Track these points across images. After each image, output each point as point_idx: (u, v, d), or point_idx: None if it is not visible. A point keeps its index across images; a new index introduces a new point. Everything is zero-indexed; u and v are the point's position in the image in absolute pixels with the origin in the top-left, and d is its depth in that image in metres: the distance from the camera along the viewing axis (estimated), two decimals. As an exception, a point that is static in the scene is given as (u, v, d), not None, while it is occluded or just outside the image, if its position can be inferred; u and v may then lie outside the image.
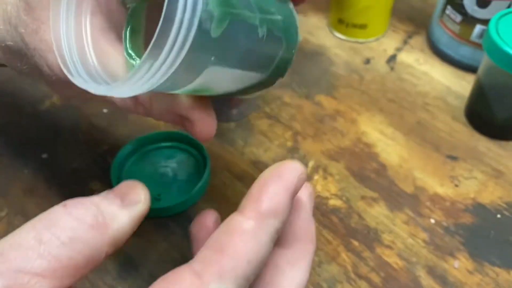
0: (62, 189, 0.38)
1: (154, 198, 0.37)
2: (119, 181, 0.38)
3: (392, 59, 0.50)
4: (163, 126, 0.43)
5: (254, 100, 0.45)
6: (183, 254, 0.34)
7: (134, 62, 0.22)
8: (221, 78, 0.21)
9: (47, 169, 0.40)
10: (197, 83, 0.20)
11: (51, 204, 0.17)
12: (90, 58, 0.21)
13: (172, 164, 0.40)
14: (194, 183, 0.37)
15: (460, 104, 0.45)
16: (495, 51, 0.37)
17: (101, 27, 0.22)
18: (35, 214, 0.17)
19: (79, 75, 0.20)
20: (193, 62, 0.18)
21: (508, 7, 0.42)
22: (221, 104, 0.43)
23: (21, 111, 0.45)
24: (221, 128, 0.43)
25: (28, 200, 0.38)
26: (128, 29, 0.23)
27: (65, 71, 0.20)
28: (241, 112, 0.44)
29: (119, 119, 0.44)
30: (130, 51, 0.22)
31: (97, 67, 0.21)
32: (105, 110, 0.45)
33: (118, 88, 0.18)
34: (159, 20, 0.16)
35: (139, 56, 0.22)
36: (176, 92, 0.20)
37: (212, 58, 0.19)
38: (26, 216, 0.36)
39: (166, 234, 0.35)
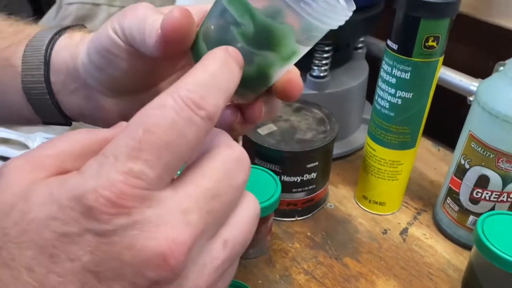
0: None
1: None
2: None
3: (404, 231, 0.63)
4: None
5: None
6: None
7: None
8: None
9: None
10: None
11: None
12: None
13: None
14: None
15: (458, 277, 0.56)
16: (480, 245, 0.50)
17: None
18: None
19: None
20: None
21: (493, 207, 0.56)
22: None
23: None
24: (265, 280, 0.55)
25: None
26: None
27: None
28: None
29: None
30: None
31: None
32: None
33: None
34: None
35: None
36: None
37: None
38: None
39: None
